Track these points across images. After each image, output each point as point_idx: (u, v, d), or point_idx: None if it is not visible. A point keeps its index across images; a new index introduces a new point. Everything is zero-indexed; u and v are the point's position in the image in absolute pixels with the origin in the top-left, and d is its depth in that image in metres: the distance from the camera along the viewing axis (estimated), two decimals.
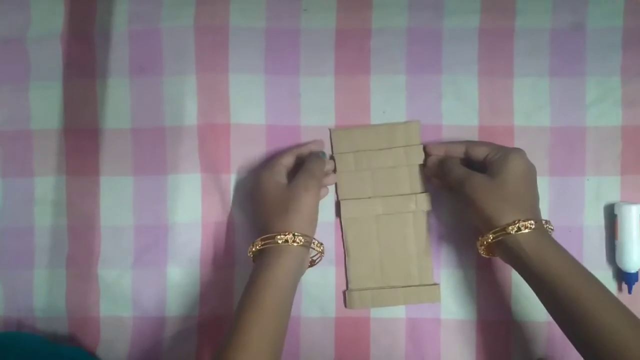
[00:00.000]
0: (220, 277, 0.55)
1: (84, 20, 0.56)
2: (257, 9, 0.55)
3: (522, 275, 0.46)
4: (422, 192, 0.54)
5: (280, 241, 0.46)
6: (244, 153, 0.55)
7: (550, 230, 0.47)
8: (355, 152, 0.54)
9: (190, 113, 0.55)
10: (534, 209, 0.47)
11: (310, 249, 0.50)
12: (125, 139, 0.55)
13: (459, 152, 0.51)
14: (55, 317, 0.55)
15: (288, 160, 0.52)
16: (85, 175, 0.56)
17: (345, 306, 0.54)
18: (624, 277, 0.52)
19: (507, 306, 0.54)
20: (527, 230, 0.44)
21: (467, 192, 0.47)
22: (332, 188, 0.55)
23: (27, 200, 0.56)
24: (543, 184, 0.54)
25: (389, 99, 0.55)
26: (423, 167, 0.54)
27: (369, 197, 0.54)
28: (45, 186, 0.56)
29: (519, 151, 0.48)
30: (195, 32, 0.55)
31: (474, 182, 0.47)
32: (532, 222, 0.44)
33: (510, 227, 0.44)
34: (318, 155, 0.53)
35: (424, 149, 0.54)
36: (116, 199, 0.55)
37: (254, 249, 0.48)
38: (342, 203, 0.54)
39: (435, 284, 0.54)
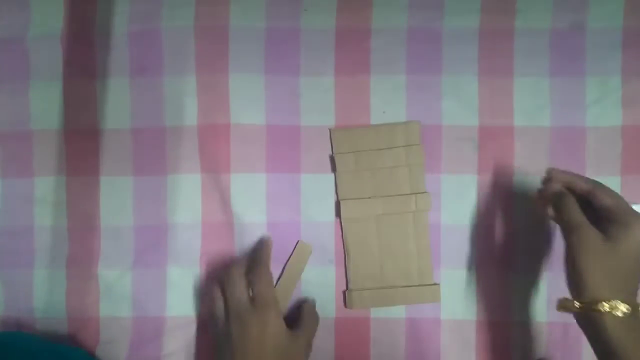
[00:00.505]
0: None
1: (84, 20, 0.56)
2: (257, 9, 0.55)
3: (596, 354, 0.42)
4: (422, 192, 0.54)
5: None
6: (244, 153, 0.55)
7: None
8: (356, 152, 0.54)
9: (190, 113, 0.55)
10: (635, 291, 0.42)
11: None
12: (125, 139, 0.55)
13: (582, 189, 0.45)
14: (55, 317, 0.55)
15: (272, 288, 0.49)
16: (85, 175, 0.56)
17: (345, 306, 0.54)
18: None
19: (507, 306, 0.54)
20: (619, 315, 0.40)
21: (574, 244, 0.42)
22: (332, 188, 0.55)
23: (27, 200, 0.56)
24: None
25: (389, 99, 0.55)
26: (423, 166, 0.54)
27: (369, 197, 0.54)
28: (45, 186, 0.56)
29: None
30: (195, 32, 0.55)
31: (586, 237, 0.42)
32: (628, 307, 0.40)
33: (602, 307, 0.40)
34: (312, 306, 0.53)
35: (548, 171, 0.48)
36: (116, 199, 0.55)
37: None
38: (342, 203, 0.54)
39: (435, 284, 0.54)
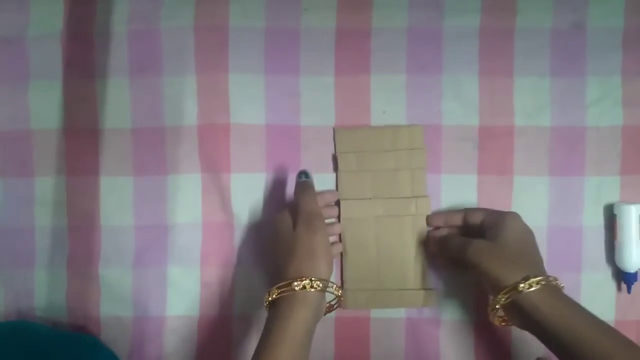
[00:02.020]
0: (220, 277, 0.55)
1: (84, 20, 0.56)
2: (257, 9, 0.55)
3: (540, 338, 0.44)
4: (423, 196, 0.54)
5: (297, 288, 0.44)
6: (244, 153, 0.55)
7: (561, 287, 0.45)
8: (358, 152, 0.54)
9: (190, 113, 0.55)
10: (540, 266, 0.46)
11: (329, 293, 0.46)
12: (125, 139, 0.55)
13: (458, 219, 0.52)
14: (56, 317, 0.55)
15: None
16: (85, 175, 0.56)
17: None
18: (623, 277, 0.52)
19: None
20: (538, 287, 0.43)
21: (470, 258, 0.46)
22: (332, 188, 0.55)
23: (27, 200, 0.56)
24: (543, 184, 0.54)
25: (389, 99, 0.55)
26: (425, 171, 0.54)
27: (370, 198, 0.54)
28: (45, 186, 0.56)
29: (514, 214, 0.48)
30: (195, 32, 0.55)
31: (475, 247, 0.46)
32: (541, 278, 0.43)
33: (520, 285, 0.43)
34: (308, 189, 0.50)
35: (427, 219, 0.53)
36: (116, 199, 0.55)
37: (270, 299, 0.45)
38: (342, 202, 0.54)
39: (431, 289, 0.54)
